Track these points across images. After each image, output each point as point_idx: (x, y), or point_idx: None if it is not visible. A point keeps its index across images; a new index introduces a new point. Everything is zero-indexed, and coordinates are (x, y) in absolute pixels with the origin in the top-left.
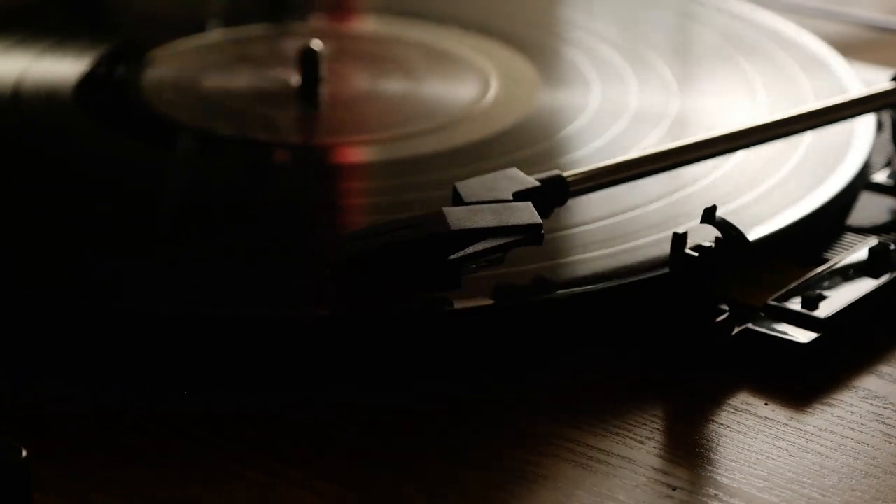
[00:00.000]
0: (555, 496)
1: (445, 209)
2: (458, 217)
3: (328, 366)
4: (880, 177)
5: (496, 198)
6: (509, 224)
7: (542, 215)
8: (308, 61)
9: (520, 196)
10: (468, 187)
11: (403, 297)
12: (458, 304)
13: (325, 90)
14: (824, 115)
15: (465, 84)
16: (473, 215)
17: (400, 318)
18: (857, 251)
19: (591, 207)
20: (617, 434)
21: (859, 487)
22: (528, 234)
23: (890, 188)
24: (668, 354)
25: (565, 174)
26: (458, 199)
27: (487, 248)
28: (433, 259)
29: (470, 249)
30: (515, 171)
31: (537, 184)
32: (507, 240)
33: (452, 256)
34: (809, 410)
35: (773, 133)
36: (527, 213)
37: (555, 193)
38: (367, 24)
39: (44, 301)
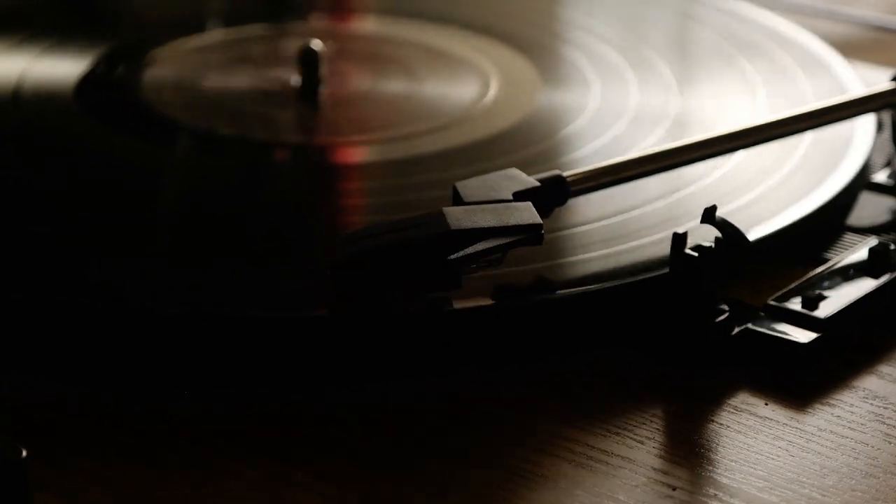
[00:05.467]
0: (555, 496)
1: (445, 209)
2: (458, 217)
3: (328, 366)
4: (880, 177)
5: (496, 198)
6: (509, 224)
7: (542, 215)
8: (308, 61)
9: (520, 196)
10: (468, 187)
11: (404, 296)
12: (458, 304)
13: (325, 90)
14: (824, 115)
15: (465, 84)
16: (473, 215)
17: (400, 317)
18: (858, 251)
19: (591, 207)
20: (617, 434)
21: (859, 487)
22: (529, 234)
23: (890, 188)
24: (669, 354)
25: (565, 174)
26: (458, 199)
27: (487, 248)
28: (433, 259)
29: (470, 249)
30: (515, 172)
31: (537, 184)
32: (507, 240)
33: (452, 256)
34: (809, 410)
35: (773, 133)
36: (527, 213)
37: (555, 193)
38: (367, 24)
39: (43, 301)
